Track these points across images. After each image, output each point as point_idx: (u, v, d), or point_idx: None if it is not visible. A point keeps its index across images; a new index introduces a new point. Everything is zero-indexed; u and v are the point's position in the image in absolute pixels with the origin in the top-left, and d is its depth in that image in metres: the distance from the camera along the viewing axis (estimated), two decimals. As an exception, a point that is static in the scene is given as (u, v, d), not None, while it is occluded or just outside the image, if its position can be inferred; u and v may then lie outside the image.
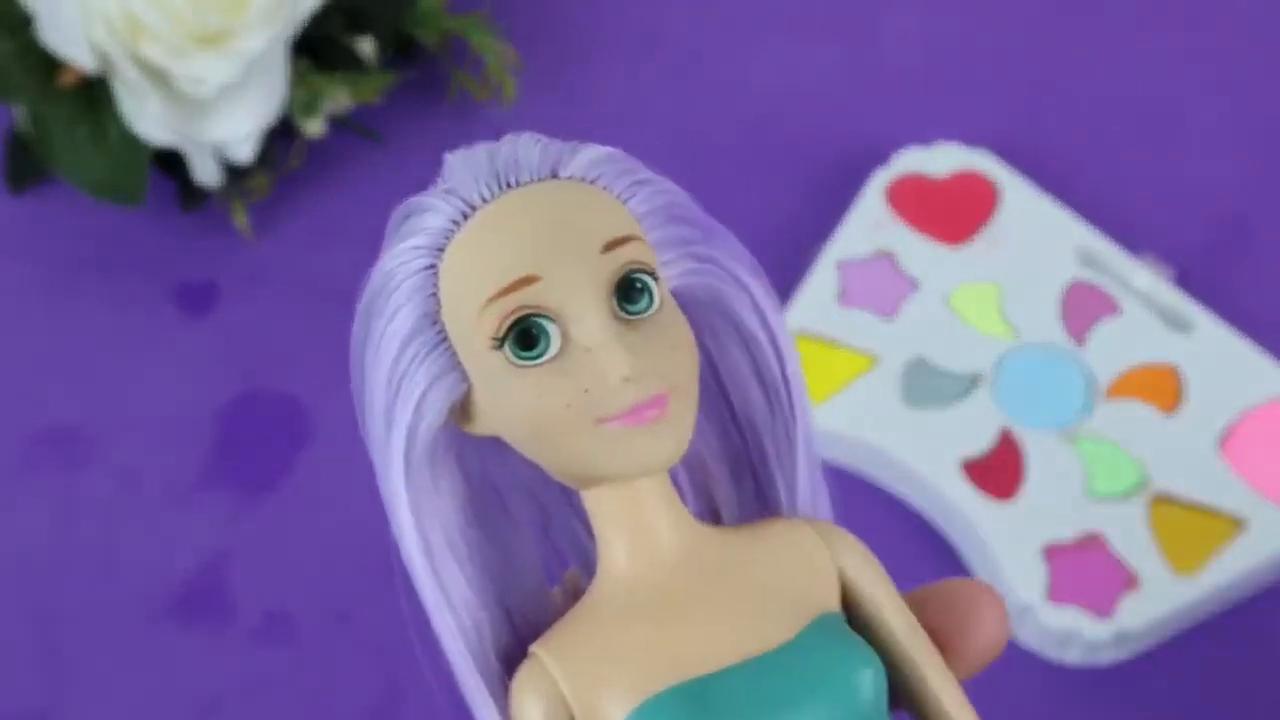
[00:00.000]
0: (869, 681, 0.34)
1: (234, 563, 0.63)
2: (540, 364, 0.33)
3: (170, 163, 0.67)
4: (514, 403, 0.33)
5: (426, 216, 0.34)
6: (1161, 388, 0.64)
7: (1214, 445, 0.63)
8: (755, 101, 0.73)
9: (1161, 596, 0.60)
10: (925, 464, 0.62)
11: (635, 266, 0.33)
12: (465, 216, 0.34)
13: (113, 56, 0.63)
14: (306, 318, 0.68)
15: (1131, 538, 0.61)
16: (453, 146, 0.35)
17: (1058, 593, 0.60)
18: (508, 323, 0.33)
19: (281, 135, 0.69)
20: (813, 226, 0.69)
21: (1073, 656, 0.61)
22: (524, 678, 0.34)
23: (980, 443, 0.63)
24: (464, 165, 0.34)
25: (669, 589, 0.34)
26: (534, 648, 0.34)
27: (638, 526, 0.34)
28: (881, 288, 0.66)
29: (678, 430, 0.33)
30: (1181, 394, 0.64)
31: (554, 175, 0.34)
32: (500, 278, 0.33)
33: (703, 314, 0.36)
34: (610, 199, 0.34)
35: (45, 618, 0.62)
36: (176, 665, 0.61)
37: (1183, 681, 0.61)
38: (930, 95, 0.73)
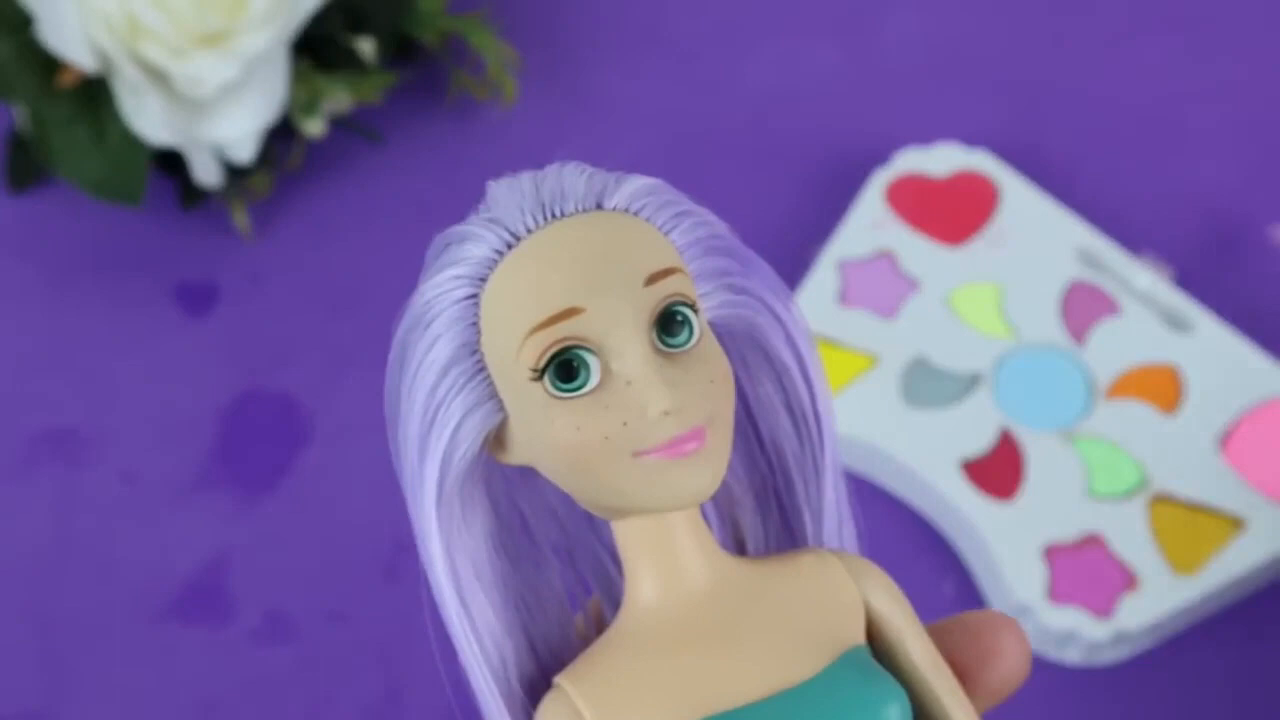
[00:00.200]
0: (895, 717, 0.34)
1: (234, 563, 0.63)
2: (580, 396, 0.33)
3: (170, 163, 0.67)
4: (552, 434, 0.33)
5: (468, 245, 0.34)
6: (1161, 388, 0.64)
7: (1214, 445, 0.63)
8: (755, 101, 0.73)
9: (1161, 596, 0.60)
10: (925, 464, 0.62)
11: (677, 299, 0.33)
12: (509, 246, 0.34)
13: (113, 56, 0.63)
14: (306, 318, 0.68)
15: (1131, 538, 0.61)
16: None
17: (1058, 593, 0.60)
18: (549, 354, 0.33)
19: (281, 135, 0.69)
20: (813, 226, 0.69)
21: (1072, 656, 0.61)
22: (549, 708, 0.34)
23: (980, 443, 0.63)
24: (508, 194, 0.34)
25: (696, 622, 0.34)
26: (559, 679, 0.34)
27: (667, 558, 0.34)
28: (881, 288, 0.66)
29: (715, 463, 0.33)
30: (1181, 394, 0.64)
31: (599, 206, 0.34)
32: (543, 309, 0.33)
33: (737, 345, 0.36)
34: (653, 231, 0.34)
35: (45, 617, 0.62)
36: (176, 665, 0.61)
37: (1183, 681, 0.61)
38: (930, 95, 0.73)
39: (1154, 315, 0.66)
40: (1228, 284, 0.68)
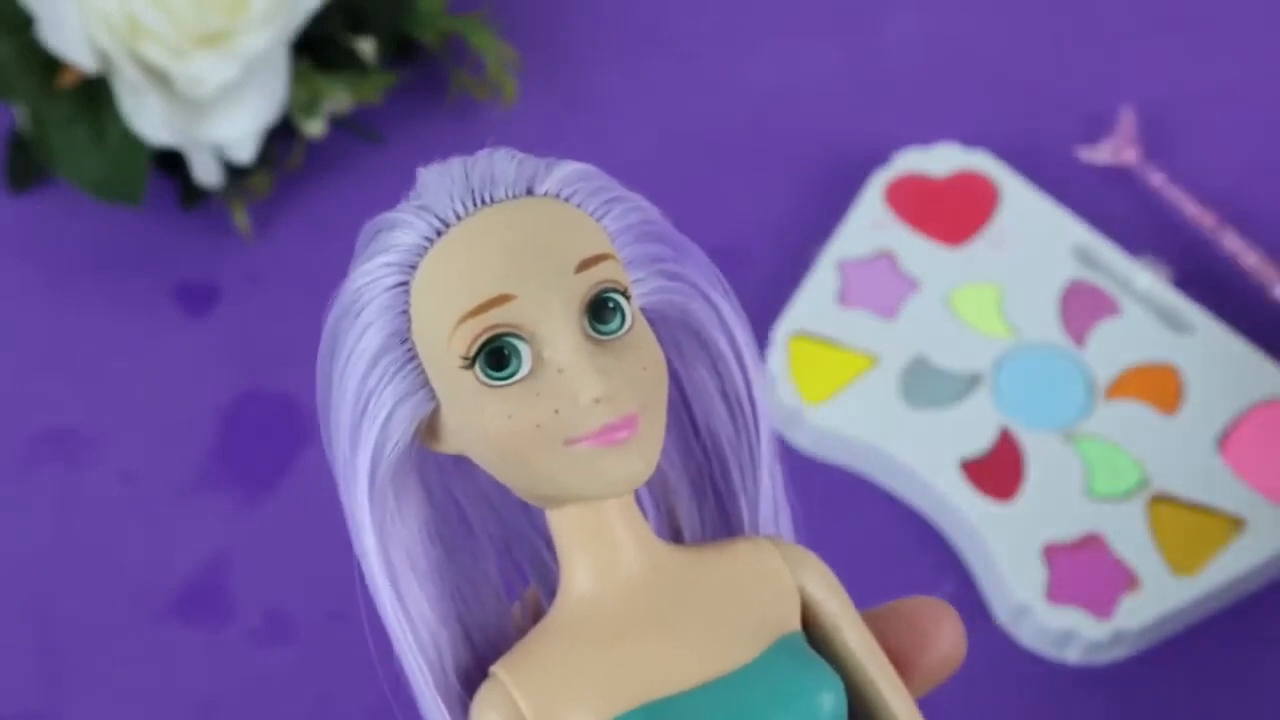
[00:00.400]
0: (829, 704, 0.34)
1: (234, 563, 0.63)
2: (511, 384, 0.33)
3: (170, 163, 0.67)
4: (483, 422, 0.33)
5: (398, 232, 0.34)
6: (1161, 388, 0.64)
7: (1213, 445, 0.63)
8: (755, 101, 0.73)
9: (1161, 596, 0.60)
10: (925, 464, 0.62)
11: (608, 286, 0.33)
12: (439, 234, 0.33)
13: (113, 57, 0.63)
14: (306, 318, 0.67)
15: (1131, 538, 0.61)
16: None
17: (1057, 593, 0.60)
18: (479, 342, 0.32)
19: (281, 135, 0.69)
20: (813, 226, 0.69)
21: (1072, 656, 0.61)
22: (484, 698, 0.34)
23: (980, 443, 0.63)
24: (438, 181, 0.34)
25: (632, 609, 0.34)
26: (495, 668, 0.34)
27: (602, 546, 0.34)
28: (881, 288, 0.66)
29: (647, 450, 0.33)
30: (1181, 394, 0.64)
31: (529, 192, 0.34)
32: (473, 296, 0.32)
33: (671, 331, 0.36)
34: (584, 217, 0.34)
35: (45, 617, 0.62)
36: (176, 665, 0.61)
37: (1182, 681, 0.61)
38: (930, 95, 0.73)
39: (1154, 315, 0.66)
40: (1228, 284, 0.68)
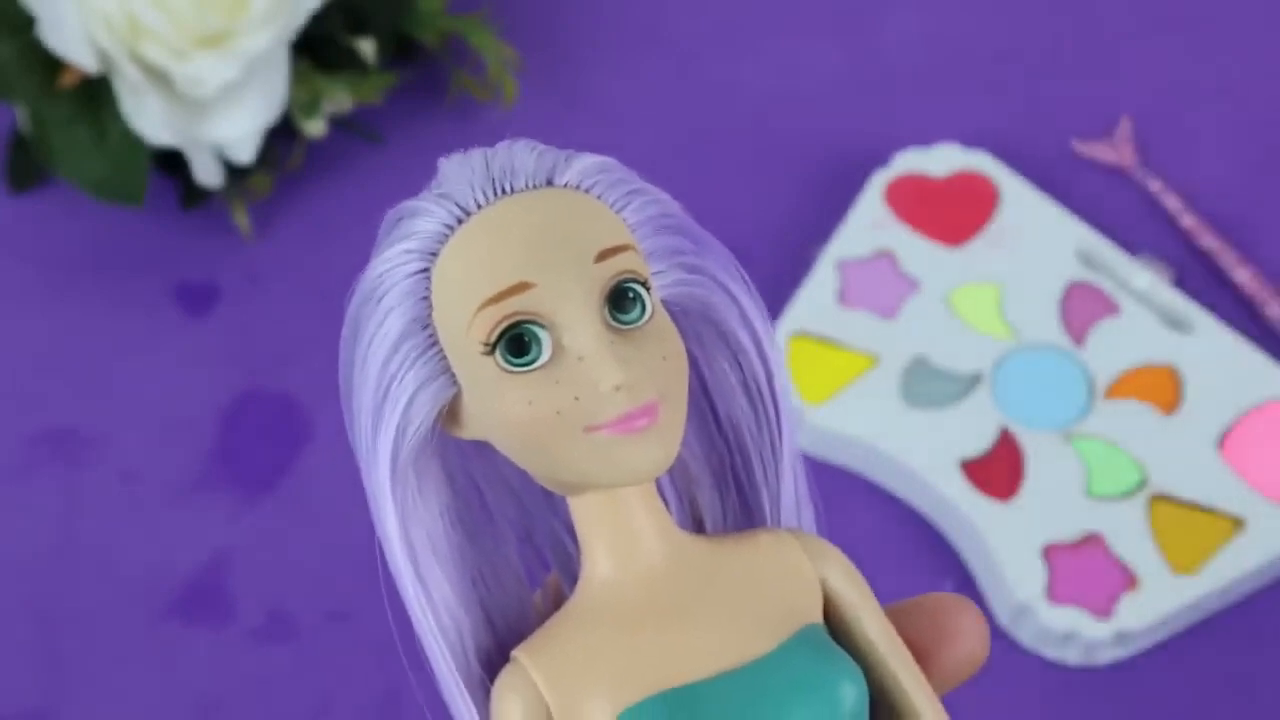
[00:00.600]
0: (850, 695, 0.34)
1: (234, 563, 0.63)
2: (531, 371, 0.33)
3: (170, 163, 0.67)
4: (504, 409, 0.33)
5: (419, 220, 0.34)
6: (1161, 388, 0.64)
7: (1213, 445, 0.63)
8: (755, 101, 0.73)
9: (1161, 596, 0.60)
10: (925, 464, 0.63)
11: (628, 276, 0.33)
12: (459, 221, 0.34)
13: (113, 57, 0.63)
14: (306, 318, 0.68)
15: (1131, 538, 0.61)
16: (453, 146, 0.35)
17: (1057, 592, 0.60)
18: (500, 329, 0.33)
19: (281, 135, 0.69)
20: (813, 226, 0.69)
21: (1072, 656, 0.61)
22: (505, 682, 0.34)
23: (980, 443, 0.63)
24: (459, 170, 0.34)
25: (653, 597, 0.34)
26: (516, 652, 0.34)
27: (623, 534, 0.34)
28: (881, 288, 0.66)
29: (667, 438, 0.33)
30: (1181, 394, 0.64)
31: (549, 183, 0.34)
32: (494, 284, 0.33)
33: (692, 324, 0.36)
34: (604, 208, 0.34)
35: (46, 617, 0.62)
36: (177, 665, 0.61)
37: (1183, 681, 0.61)
38: (930, 95, 0.73)
39: (1153, 315, 0.66)
40: (1228, 284, 0.68)
